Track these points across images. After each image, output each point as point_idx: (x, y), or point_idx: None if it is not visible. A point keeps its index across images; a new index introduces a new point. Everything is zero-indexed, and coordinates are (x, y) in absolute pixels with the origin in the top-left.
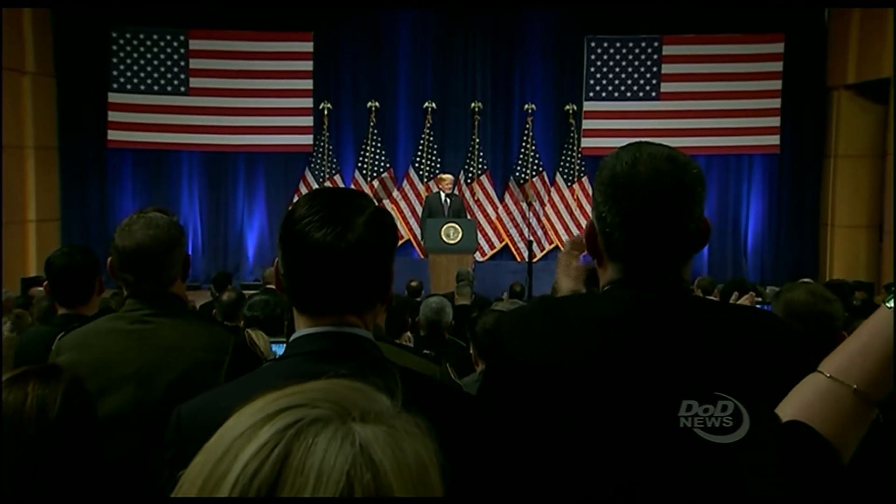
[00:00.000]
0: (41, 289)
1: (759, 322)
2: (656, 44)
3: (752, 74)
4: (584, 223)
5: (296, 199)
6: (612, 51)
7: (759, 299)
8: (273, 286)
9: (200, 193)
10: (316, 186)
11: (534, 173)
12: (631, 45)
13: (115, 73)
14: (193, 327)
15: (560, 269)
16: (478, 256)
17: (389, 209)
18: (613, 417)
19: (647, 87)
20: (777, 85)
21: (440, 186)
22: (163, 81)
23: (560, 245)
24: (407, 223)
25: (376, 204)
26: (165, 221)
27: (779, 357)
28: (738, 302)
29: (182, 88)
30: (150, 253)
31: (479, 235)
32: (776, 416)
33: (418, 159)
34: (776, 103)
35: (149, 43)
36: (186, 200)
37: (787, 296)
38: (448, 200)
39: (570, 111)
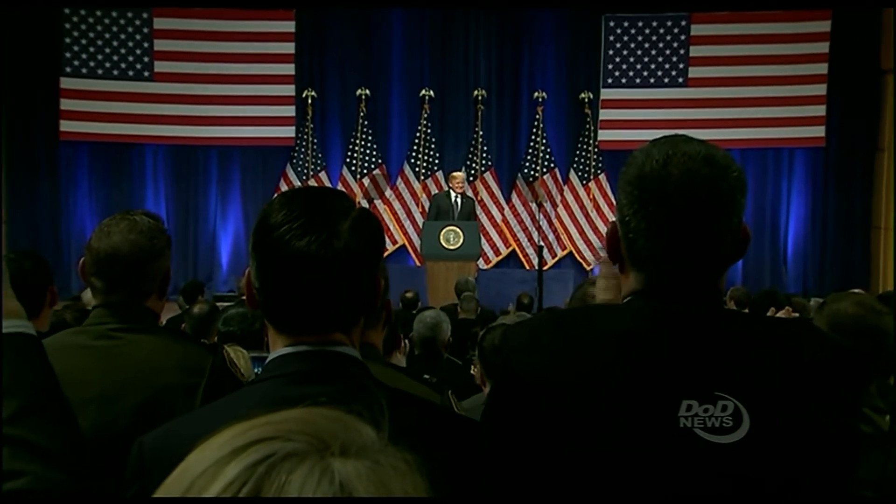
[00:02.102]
0: None
1: (796, 334)
2: (684, 23)
3: (794, 57)
4: (601, 226)
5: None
6: (633, 31)
7: (797, 315)
8: None
9: (167, 192)
10: (298, 184)
11: (544, 170)
12: (655, 24)
13: (68, 55)
14: (166, 345)
15: (602, 272)
16: (481, 264)
17: (382, 210)
18: (627, 438)
19: (674, 73)
20: (822, 69)
21: (451, 185)
22: (123, 65)
23: (574, 251)
24: (401, 226)
25: (358, 205)
26: (150, 227)
27: (814, 370)
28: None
29: (145, 73)
30: (126, 260)
31: (483, 240)
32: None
33: (414, 154)
34: (821, 90)
35: (107, 21)
36: (151, 200)
37: (832, 307)
38: (459, 202)
39: (586, 100)
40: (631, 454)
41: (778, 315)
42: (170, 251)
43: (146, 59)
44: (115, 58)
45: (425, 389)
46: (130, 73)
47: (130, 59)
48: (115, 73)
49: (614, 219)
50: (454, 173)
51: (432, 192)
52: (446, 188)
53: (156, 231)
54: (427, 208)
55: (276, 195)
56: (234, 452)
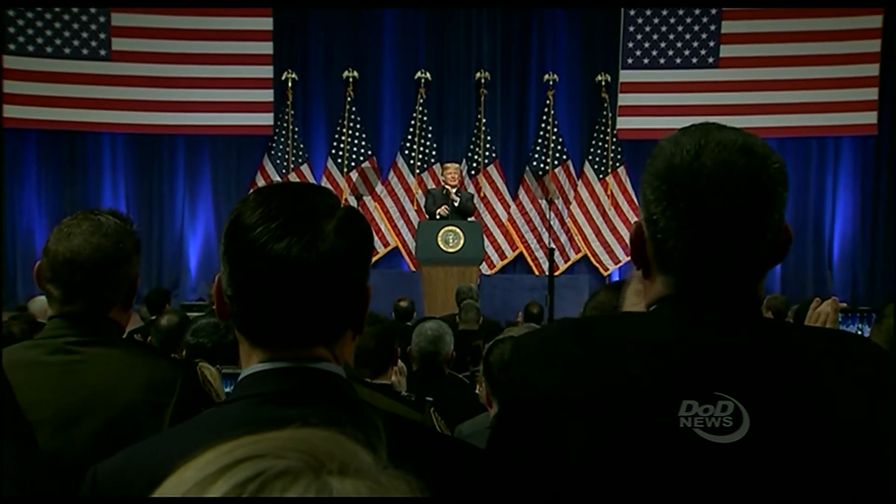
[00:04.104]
0: None
1: (847, 348)
2: None
3: (842, 33)
4: (619, 225)
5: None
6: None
7: (845, 304)
8: None
9: (127, 188)
10: (277, 179)
11: (556, 162)
12: None
13: (12, 30)
14: (131, 360)
15: (634, 280)
16: (484, 268)
17: (372, 208)
18: (629, 441)
19: (703, 52)
20: (875, 46)
21: (444, 178)
22: (76, 42)
23: (590, 254)
24: (394, 226)
25: (345, 202)
26: (116, 229)
27: (863, 386)
28: (819, 309)
29: (102, 52)
30: (87, 266)
31: (487, 242)
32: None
33: (408, 145)
34: (873, 70)
35: None
36: (110, 196)
37: (889, 322)
38: (457, 197)
39: (603, 83)
40: (633, 456)
41: (823, 306)
42: (138, 257)
43: (102, 36)
44: (67, 34)
45: (403, 408)
46: (84, 51)
47: (84, 35)
48: (67, 51)
49: (638, 219)
50: (448, 164)
51: (428, 188)
52: (431, 185)
53: (122, 234)
54: (423, 206)
55: (251, 191)
56: (221, 471)
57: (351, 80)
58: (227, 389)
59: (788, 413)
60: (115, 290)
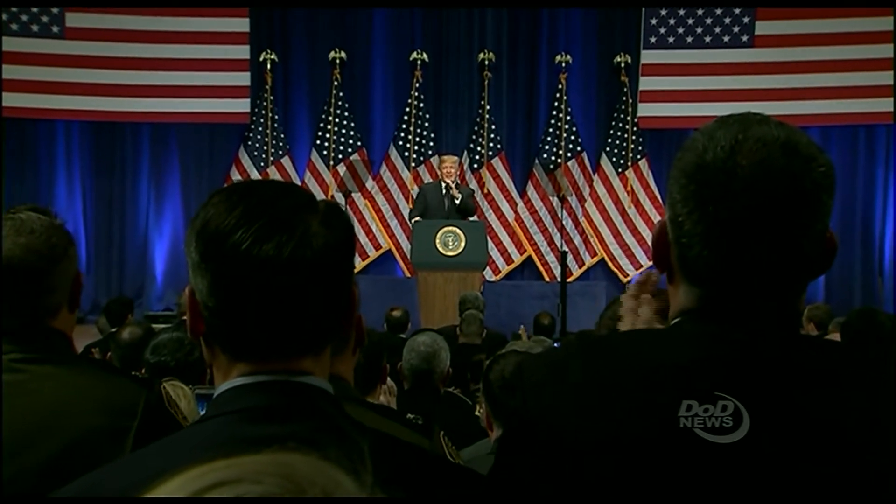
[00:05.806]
0: None
1: (873, 361)
2: None
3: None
4: (640, 225)
5: None
6: None
7: None
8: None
9: (85, 183)
10: (255, 172)
11: (569, 154)
12: None
13: None
14: (87, 379)
15: (625, 316)
16: (488, 274)
17: (362, 206)
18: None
19: (735, 30)
20: None
21: (441, 172)
22: (25, 18)
23: (607, 258)
24: (387, 226)
25: (331, 198)
26: (43, 226)
27: (885, 398)
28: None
29: (55, 28)
30: (21, 271)
31: (491, 244)
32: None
33: (403, 135)
34: None
35: None
36: (64, 193)
37: None
38: (459, 193)
39: (622, 65)
40: (632, 457)
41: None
42: (74, 249)
43: (55, 11)
44: (14, 8)
45: (409, 433)
46: (35, 27)
47: (35, 10)
48: (15, 27)
49: (663, 217)
50: (444, 156)
51: (423, 183)
52: (428, 179)
53: (51, 228)
54: (415, 201)
55: (213, 194)
56: (193, 497)
57: (338, 61)
58: (202, 412)
59: (790, 416)
60: (57, 292)
